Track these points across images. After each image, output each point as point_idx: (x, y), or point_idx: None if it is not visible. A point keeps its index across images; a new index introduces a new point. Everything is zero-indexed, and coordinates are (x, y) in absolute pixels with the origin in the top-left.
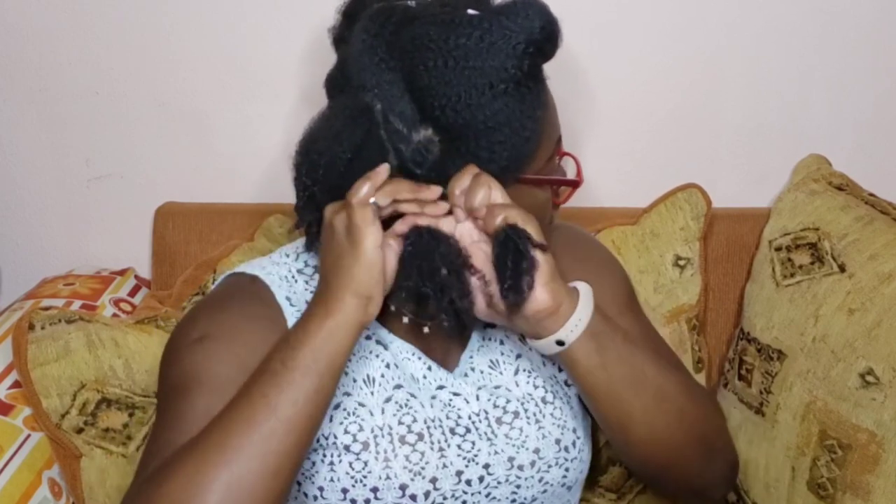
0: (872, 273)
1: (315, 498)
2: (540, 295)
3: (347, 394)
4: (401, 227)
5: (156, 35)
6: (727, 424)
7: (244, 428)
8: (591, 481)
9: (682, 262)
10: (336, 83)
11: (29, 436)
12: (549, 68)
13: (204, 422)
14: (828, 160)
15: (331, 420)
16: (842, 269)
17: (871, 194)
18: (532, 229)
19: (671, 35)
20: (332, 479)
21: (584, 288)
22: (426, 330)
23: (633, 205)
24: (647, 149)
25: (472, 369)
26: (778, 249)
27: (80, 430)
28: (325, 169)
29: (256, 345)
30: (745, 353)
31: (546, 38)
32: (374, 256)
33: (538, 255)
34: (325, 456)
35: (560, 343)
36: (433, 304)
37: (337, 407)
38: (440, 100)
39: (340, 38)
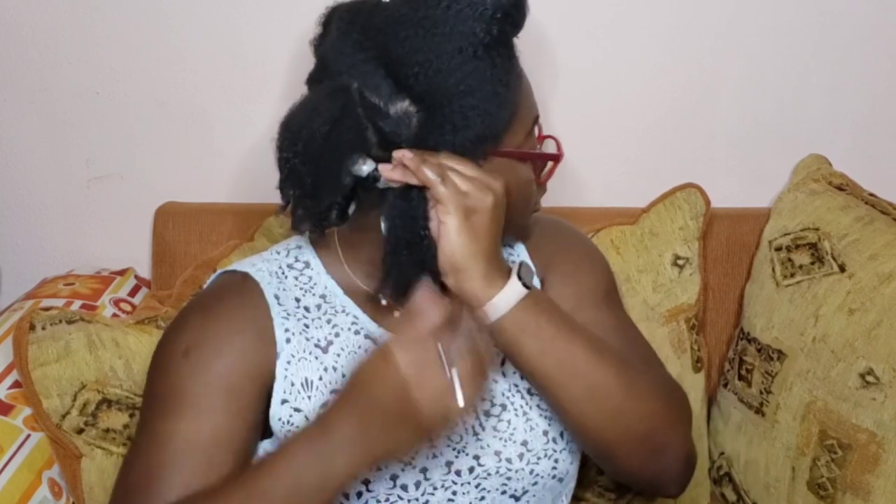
0: (872, 273)
1: None
2: (442, 275)
3: (335, 391)
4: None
5: (156, 35)
6: (688, 426)
7: None
8: (590, 480)
9: (681, 262)
10: (316, 77)
11: (29, 436)
12: (551, 69)
13: (183, 450)
14: (828, 160)
15: None
16: (842, 269)
17: (871, 194)
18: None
19: (669, 35)
20: None
21: (512, 286)
22: None
23: (632, 205)
24: (646, 149)
25: None
26: (778, 249)
27: (80, 431)
28: (304, 142)
29: (240, 359)
30: (745, 353)
31: (512, 4)
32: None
33: (446, 229)
34: None
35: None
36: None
37: (324, 405)
38: (412, 68)
39: (320, 45)
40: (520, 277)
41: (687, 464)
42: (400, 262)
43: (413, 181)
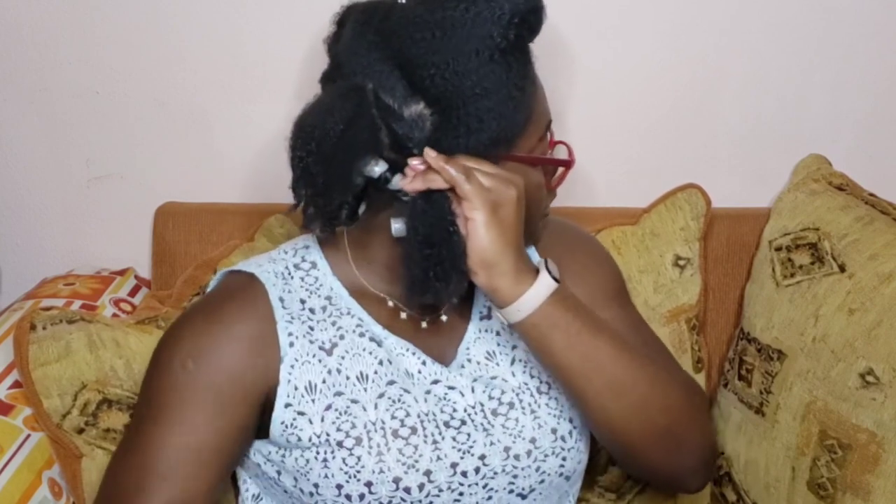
0: (872, 273)
1: (311, 494)
2: (472, 273)
3: (339, 393)
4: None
5: (156, 35)
6: (707, 419)
7: None
8: (591, 481)
9: (681, 262)
10: (330, 76)
11: (29, 436)
12: (550, 70)
13: (174, 459)
14: (828, 160)
15: (322, 420)
16: (842, 269)
17: (871, 194)
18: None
19: (671, 34)
20: (326, 476)
21: (543, 280)
22: (424, 325)
23: (633, 205)
24: (647, 149)
25: (469, 360)
26: (778, 249)
27: (81, 431)
28: (317, 141)
29: (239, 370)
30: (745, 353)
31: (530, 9)
32: None
33: (473, 232)
34: (318, 453)
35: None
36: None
37: (328, 408)
38: (429, 69)
39: (334, 44)
40: (548, 271)
41: (708, 458)
42: (424, 263)
43: (434, 185)
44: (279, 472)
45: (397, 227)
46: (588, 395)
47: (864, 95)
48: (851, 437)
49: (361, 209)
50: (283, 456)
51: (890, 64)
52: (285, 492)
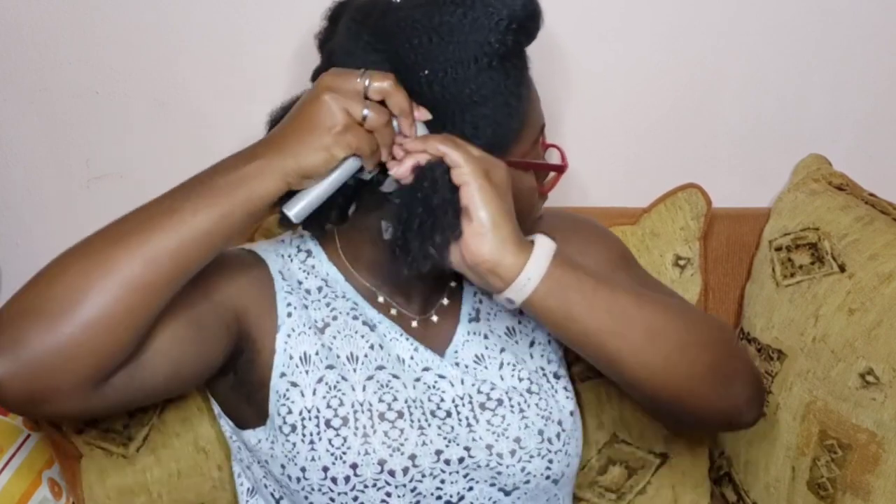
0: (872, 273)
1: (298, 480)
2: (473, 246)
3: (331, 367)
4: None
5: (156, 35)
6: (744, 347)
7: (138, 215)
8: (591, 481)
9: (682, 262)
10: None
11: (29, 436)
12: (550, 70)
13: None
14: (828, 160)
15: (314, 393)
16: (842, 269)
17: (871, 194)
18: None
19: (671, 34)
20: (313, 458)
21: (542, 242)
22: (414, 324)
23: (633, 205)
24: (647, 149)
25: (457, 364)
26: (778, 249)
27: (80, 431)
28: None
29: (238, 293)
30: None
31: (528, 15)
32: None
33: (469, 203)
34: (304, 435)
35: (511, 300)
36: (416, 243)
37: (319, 381)
38: (426, 76)
39: (326, 41)
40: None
41: (759, 386)
42: (421, 233)
43: (423, 158)
44: (267, 462)
45: (388, 229)
46: (625, 353)
47: (863, 95)
48: (851, 437)
49: (351, 209)
50: (273, 443)
51: (889, 64)
52: (277, 481)
